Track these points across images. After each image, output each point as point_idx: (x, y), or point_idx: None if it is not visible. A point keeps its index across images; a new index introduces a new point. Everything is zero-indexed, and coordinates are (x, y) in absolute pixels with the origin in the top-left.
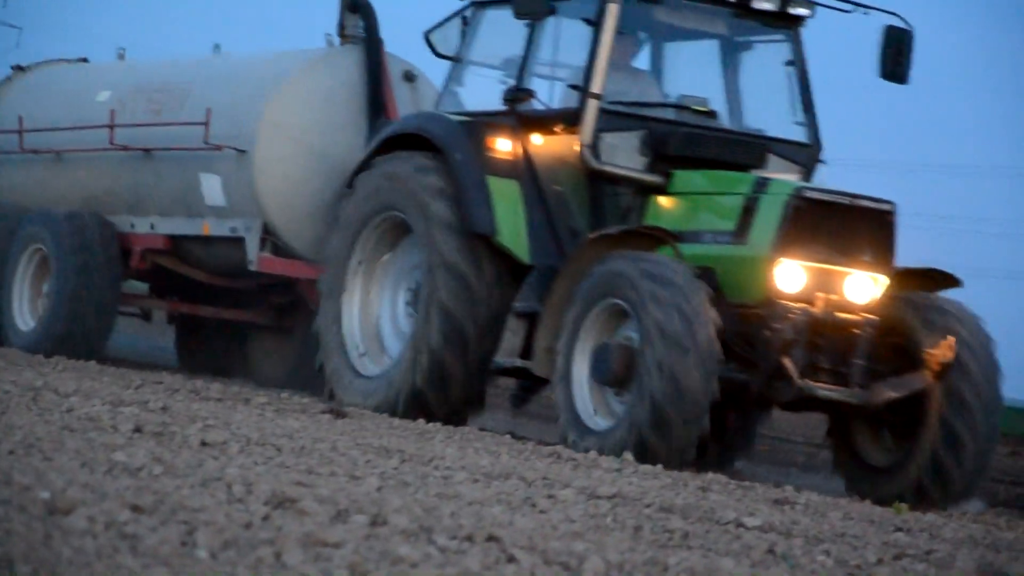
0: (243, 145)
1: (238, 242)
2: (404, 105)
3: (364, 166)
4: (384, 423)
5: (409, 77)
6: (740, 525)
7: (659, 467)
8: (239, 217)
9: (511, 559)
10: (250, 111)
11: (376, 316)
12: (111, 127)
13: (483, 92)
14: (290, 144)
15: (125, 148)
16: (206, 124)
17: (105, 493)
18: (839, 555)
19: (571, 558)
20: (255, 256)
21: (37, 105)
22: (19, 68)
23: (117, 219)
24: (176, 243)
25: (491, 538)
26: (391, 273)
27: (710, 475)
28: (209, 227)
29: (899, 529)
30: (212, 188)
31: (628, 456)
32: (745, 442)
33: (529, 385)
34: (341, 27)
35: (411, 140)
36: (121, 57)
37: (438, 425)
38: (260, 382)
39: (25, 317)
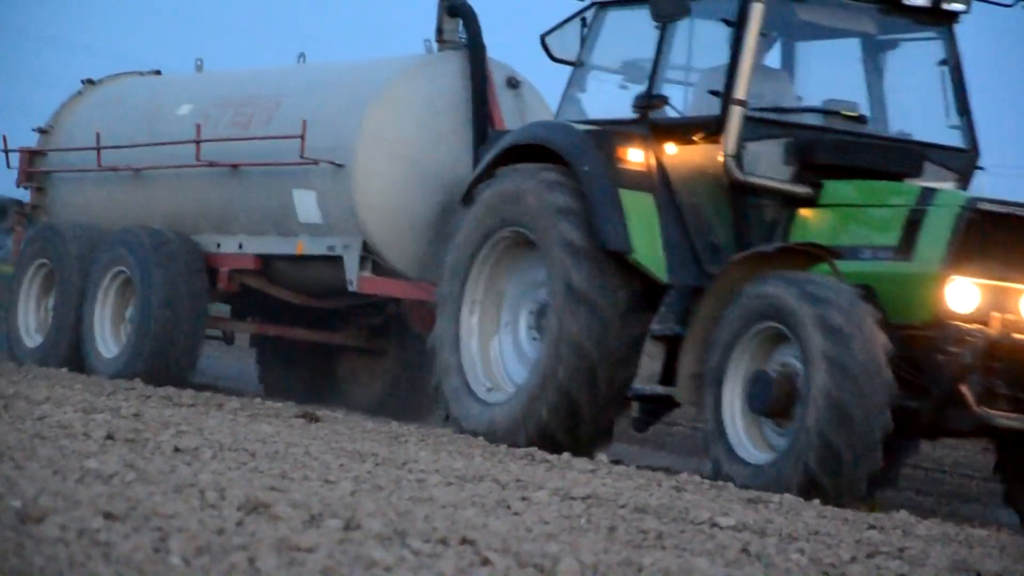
0: (341, 159)
1: (334, 261)
2: (508, 113)
3: (481, 179)
4: (357, 427)
5: (513, 84)
6: (714, 525)
7: (632, 467)
8: (336, 235)
9: (485, 561)
10: (348, 122)
11: (497, 337)
12: (197, 142)
13: (606, 98)
14: (390, 156)
15: (212, 164)
16: (302, 137)
17: (77, 501)
18: (813, 553)
19: (545, 560)
20: (355, 276)
21: (112, 120)
22: (90, 82)
23: (202, 238)
24: (266, 263)
25: (465, 541)
26: (512, 293)
27: (684, 475)
28: (303, 245)
29: (872, 527)
30: (306, 204)
31: (602, 457)
32: (898, 469)
33: (652, 409)
34: (439, 32)
35: (530, 151)
36: (199, 68)
37: (411, 428)
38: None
39: (108, 344)
